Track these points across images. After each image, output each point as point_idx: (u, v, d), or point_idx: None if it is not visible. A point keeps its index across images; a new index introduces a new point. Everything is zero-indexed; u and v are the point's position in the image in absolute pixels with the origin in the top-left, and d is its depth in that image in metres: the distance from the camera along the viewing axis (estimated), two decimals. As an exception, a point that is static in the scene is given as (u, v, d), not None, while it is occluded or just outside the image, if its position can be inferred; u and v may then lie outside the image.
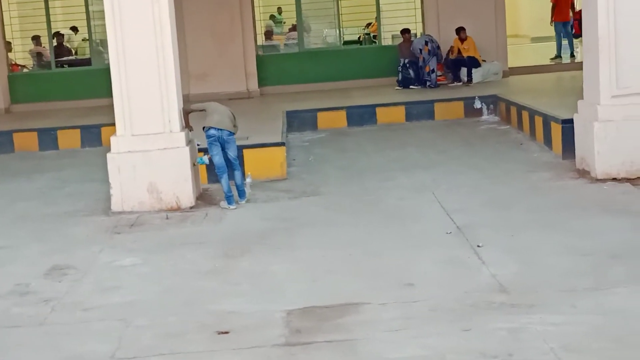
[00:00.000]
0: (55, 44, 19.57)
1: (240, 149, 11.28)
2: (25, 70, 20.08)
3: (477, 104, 15.58)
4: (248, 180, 10.49)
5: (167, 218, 9.54)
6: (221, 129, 9.86)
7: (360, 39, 21.64)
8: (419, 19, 19.39)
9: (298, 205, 9.85)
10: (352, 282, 6.90)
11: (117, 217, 9.65)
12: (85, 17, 19.02)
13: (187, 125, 10.26)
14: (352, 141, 14.00)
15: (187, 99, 18.45)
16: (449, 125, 14.96)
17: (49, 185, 11.79)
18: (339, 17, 19.85)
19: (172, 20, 10.13)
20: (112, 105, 10.03)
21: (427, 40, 17.98)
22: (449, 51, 18.31)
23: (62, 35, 20.33)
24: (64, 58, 20.00)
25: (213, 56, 18.53)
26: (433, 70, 17.81)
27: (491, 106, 15.53)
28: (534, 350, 5.28)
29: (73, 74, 19.37)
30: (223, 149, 9.95)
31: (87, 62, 19.68)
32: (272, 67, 19.20)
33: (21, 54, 20.37)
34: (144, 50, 9.82)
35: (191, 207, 9.88)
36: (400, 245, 7.91)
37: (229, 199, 9.87)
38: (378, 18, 19.56)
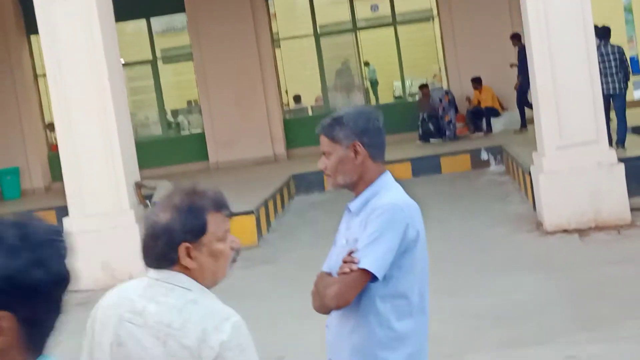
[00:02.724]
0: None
1: (211, 219, 11.46)
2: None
3: (484, 156, 15.38)
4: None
5: (115, 295, 9.71)
6: (168, 204, 9.99)
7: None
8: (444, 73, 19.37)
9: (244, 276, 9.82)
10: None
11: (71, 296, 9.85)
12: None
13: (141, 201, 10.44)
14: (348, 202, 13.92)
15: (215, 167, 18.94)
16: (454, 178, 14.78)
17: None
18: (362, 77, 19.94)
19: (121, 102, 10.37)
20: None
21: (446, 91, 17.95)
22: (468, 102, 18.15)
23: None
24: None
25: (238, 122, 18.79)
26: (451, 121, 17.65)
27: (498, 157, 15.30)
28: None
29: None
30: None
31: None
32: (299, 130, 19.34)
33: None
34: (91, 131, 10.10)
35: (144, 283, 10.02)
36: (306, 315, 7.84)
37: (179, 272, 9.96)
38: (401, 75, 19.59)
